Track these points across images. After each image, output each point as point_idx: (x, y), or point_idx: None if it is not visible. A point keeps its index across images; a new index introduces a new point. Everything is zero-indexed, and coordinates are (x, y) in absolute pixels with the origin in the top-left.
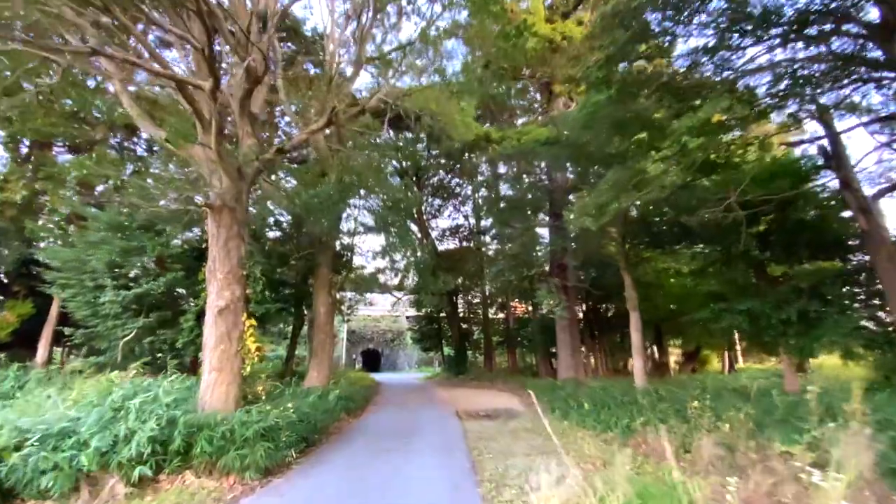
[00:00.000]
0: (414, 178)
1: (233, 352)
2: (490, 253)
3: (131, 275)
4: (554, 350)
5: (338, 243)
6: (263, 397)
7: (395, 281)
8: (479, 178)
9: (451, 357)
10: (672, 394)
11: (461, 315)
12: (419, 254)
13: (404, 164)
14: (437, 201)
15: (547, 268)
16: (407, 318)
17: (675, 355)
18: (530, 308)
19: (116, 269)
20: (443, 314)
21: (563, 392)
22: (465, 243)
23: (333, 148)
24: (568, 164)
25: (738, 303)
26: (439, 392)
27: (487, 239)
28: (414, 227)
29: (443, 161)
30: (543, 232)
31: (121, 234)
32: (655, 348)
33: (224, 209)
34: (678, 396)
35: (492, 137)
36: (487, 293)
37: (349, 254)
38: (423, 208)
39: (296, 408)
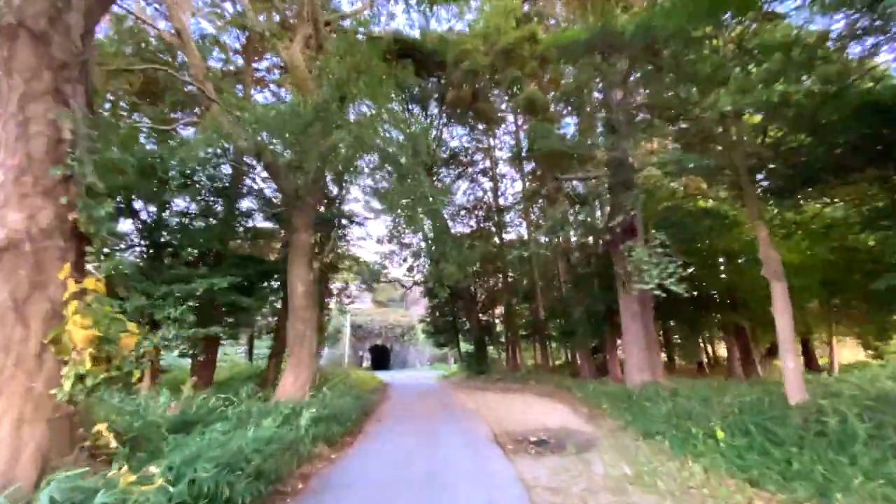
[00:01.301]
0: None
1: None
2: (511, 235)
3: None
4: (594, 344)
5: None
6: (113, 443)
7: (403, 267)
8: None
9: (469, 354)
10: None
11: (480, 304)
12: (430, 198)
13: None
14: (449, 173)
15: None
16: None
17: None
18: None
19: None
20: (458, 304)
21: (649, 403)
22: (483, 224)
23: (310, 56)
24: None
25: None
26: (460, 397)
27: (509, 218)
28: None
29: (459, 111)
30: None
31: None
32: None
33: (21, 33)
34: None
35: (537, 36)
36: (509, 278)
37: (338, 212)
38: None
39: (193, 464)
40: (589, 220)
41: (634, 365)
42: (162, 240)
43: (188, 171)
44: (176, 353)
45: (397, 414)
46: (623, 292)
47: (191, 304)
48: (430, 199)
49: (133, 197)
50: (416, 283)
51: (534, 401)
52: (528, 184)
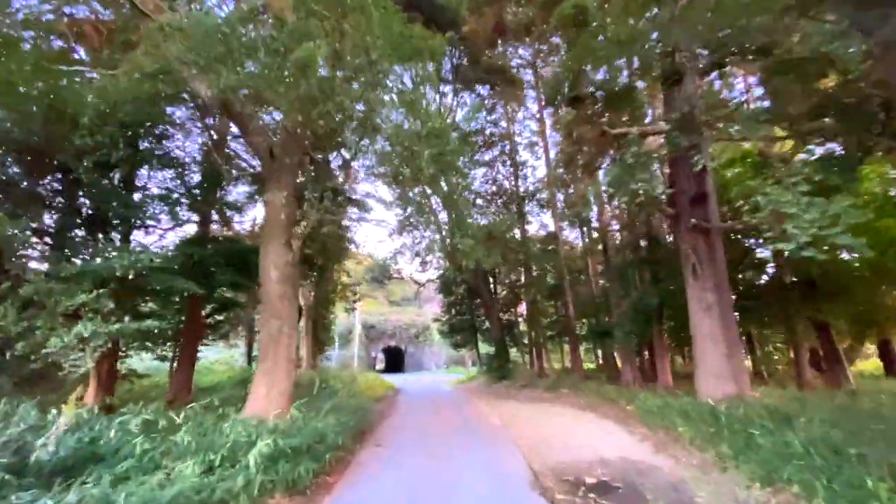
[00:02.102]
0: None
1: None
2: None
3: None
4: (638, 347)
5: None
6: None
7: (415, 262)
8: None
9: (489, 356)
10: None
11: (500, 300)
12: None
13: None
14: (464, 161)
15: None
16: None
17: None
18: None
19: None
20: (477, 301)
21: (758, 432)
22: (503, 213)
23: None
24: None
25: None
26: (481, 408)
27: (532, 208)
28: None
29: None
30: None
31: None
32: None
33: None
34: None
35: None
36: (533, 272)
37: (325, 176)
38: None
39: None
40: (644, 190)
41: (710, 372)
42: (85, 204)
43: (109, 111)
44: (151, 355)
45: (404, 434)
46: (693, 279)
47: (113, 287)
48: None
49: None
50: (429, 281)
51: (572, 414)
52: (558, 155)
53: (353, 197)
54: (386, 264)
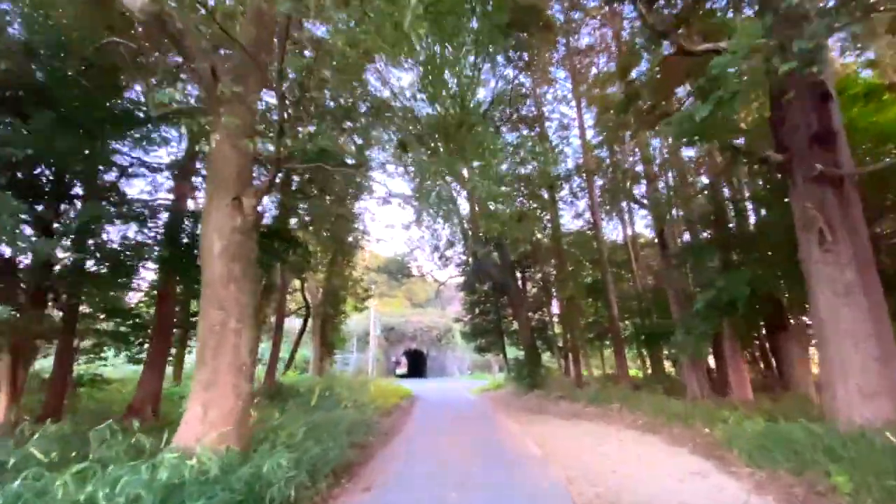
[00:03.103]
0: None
1: None
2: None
3: None
4: (711, 349)
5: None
6: None
7: (433, 257)
8: None
9: (517, 361)
10: None
11: (530, 299)
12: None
13: None
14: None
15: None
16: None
17: None
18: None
19: None
20: (503, 299)
21: None
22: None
23: None
24: None
25: None
26: (511, 426)
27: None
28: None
29: None
30: None
31: None
32: None
33: None
34: None
35: None
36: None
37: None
38: None
39: None
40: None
41: (852, 386)
42: None
43: None
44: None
45: (409, 467)
46: (820, 252)
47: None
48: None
49: None
50: (451, 278)
51: (633, 439)
52: (599, 111)
53: (349, 160)
54: (403, 259)
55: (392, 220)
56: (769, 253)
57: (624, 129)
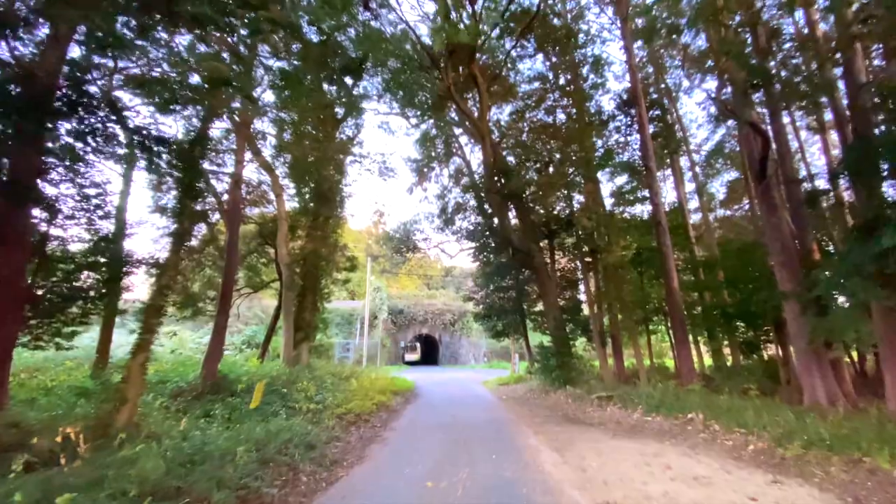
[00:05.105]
0: None
1: None
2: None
3: None
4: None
5: None
6: None
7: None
8: None
9: (542, 349)
10: None
11: (560, 272)
12: None
13: None
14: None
15: None
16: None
17: None
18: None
19: None
20: (525, 274)
21: None
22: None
23: None
24: None
25: None
26: (541, 454)
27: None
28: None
29: None
30: None
31: None
32: None
33: None
34: None
35: None
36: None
37: None
38: None
39: None
40: None
41: None
42: None
43: None
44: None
45: None
46: None
47: None
48: None
49: None
50: (462, 251)
51: (777, 498)
52: None
53: None
54: (409, 228)
55: (396, 189)
56: None
57: None
